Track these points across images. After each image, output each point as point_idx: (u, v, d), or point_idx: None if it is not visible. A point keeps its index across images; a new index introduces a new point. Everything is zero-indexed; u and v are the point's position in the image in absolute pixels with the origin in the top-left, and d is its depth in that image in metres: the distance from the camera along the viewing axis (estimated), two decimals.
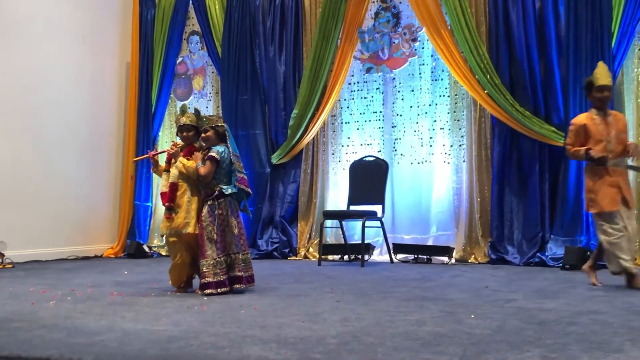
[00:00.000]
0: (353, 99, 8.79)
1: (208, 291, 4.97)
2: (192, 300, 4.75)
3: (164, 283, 5.60)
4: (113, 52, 9.96)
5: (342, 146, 8.79)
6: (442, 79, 8.27)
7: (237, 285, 5.12)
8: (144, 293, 5.20)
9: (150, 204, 9.68)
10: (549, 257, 7.19)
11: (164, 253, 9.10)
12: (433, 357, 2.89)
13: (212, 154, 5.15)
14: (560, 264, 6.90)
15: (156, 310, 4.30)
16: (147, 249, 9.22)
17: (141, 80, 9.83)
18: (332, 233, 8.58)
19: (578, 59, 7.31)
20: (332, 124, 8.85)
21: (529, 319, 3.87)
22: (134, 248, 9.09)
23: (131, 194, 9.63)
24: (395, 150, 8.48)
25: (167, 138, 9.83)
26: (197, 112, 5.46)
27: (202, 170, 5.13)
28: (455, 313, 4.07)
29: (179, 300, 4.81)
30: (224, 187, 5.16)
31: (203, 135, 5.28)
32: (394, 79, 8.53)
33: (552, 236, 7.35)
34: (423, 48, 8.38)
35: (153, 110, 9.75)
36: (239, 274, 5.12)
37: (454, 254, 7.76)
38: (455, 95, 8.13)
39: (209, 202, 5.14)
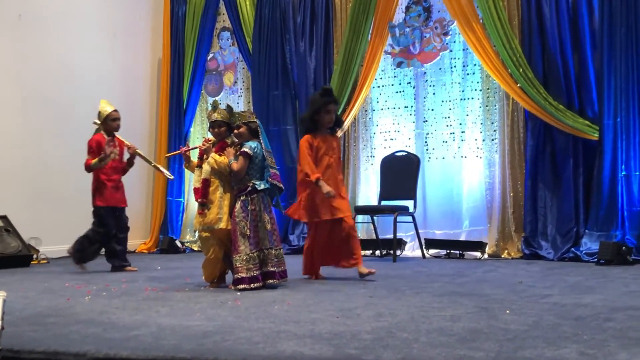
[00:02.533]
0: (384, 93, 8.76)
1: (241, 286, 4.98)
2: (225, 296, 4.76)
3: (197, 278, 5.62)
4: (144, 47, 10.03)
5: (374, 141, 8.76)
6: (473, 73, 8.21)
7: (270, 281, 5.13)
8: (178, 288, 5.22)
9: (182, 199, 9.74)
10: (584, 252, 7.12)
11: (196, 248, 9.15)
12: (469, 352, 2.87)
13: (245, 149, 5.15)
14: (595, 259, 6.82)
15: (190, 305, 4.32)
16: (179, 245, 9.28)
17: (172, 76, 9.89)
18: (363, 228, 8.55)
19: (612, 53, 7.22)
20: (363, 119, 8.83)
21: (565, 314, 3.82)
22: (166, 243, 9.16)
23: (164, 189, 9.70)
24: (427, 144, 8.44)
25: (198, 134, 9.88)
26: (229, 108, 5.47)
27: (235, 165, 5.14)
28: (490, 309, 4.04)
29: (213, 295, 4.83)
30: (257, 182, 5.17)
31: (236, 131, 5.29)
32: (425, 73, 8.49)
33: (586, 231, 7.27)
34: (454, 42, 8.33)
35: (185, 106, 9.80)
36: (271, 269, 5.13)
37: (486, 249, 7.72)
38: (488, 89, 8.07)
39: (241, 198, 5.15)
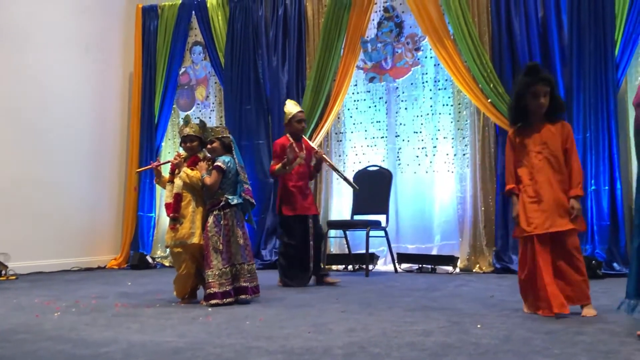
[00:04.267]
0: (356, 108, 8.79)
1: (214, 301, 4.95)
2: (197, 311, 4.73)
3: (168, 294, 5.58)
4: (116, 62, 9.98)
5: (346, 156, 8.78)
6: (445, 88, 8.27)
7: (243, 296, 5.10)
8: (149, 304, 5.18)
9: (153, 214, 9.67)
10: None
11: (167, 264, 9.09)
12: None
13: (218, 163, 5.15)
14: None
15: (161, 322, 4.28)
16: (150, 260, 9.21)
17: (144, 91, 9.85)
18: (336, 243, 8.56)
19: (581, 68, 7.31)
20: (336, 133, 8.84)
21: (536, 328, 3.85)
22: (137, 259, 9.08)
23: (134, 204, 9.63)
24: (399, 159, 8.47)
25: (170, 149, 9.83)
26: (202, 123, 5.46)
27: (208, 180, 5.12)
28: (462, 323, 4.05)
29: (184, 311, 4.80)
30: (230, 197, 5.16)
31: (209, 146, 5.28)
32: (397, 88, 8.54)
33: None
34: (426, 57, 8.39)
35: (156, 120, 9.75)
36: (244, 284, 5.11)
37: (458, 264, 7.74)
38: (459, 104, 8.13)
39: (214, 212, 5.13)
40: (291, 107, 6.64)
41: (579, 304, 4.36)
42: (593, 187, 7.17)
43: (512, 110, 4.63)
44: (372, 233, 7.51)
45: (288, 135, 6.59)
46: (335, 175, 8.68)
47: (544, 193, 4.42)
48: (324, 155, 6.60)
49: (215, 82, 9.70)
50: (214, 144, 5.27)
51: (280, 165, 6.34)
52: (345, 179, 6.84)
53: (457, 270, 7.70)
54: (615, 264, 6.95)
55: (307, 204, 6.48)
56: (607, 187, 7.11)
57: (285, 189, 6.47)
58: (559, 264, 4.36)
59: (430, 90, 8.36)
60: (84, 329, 4.03)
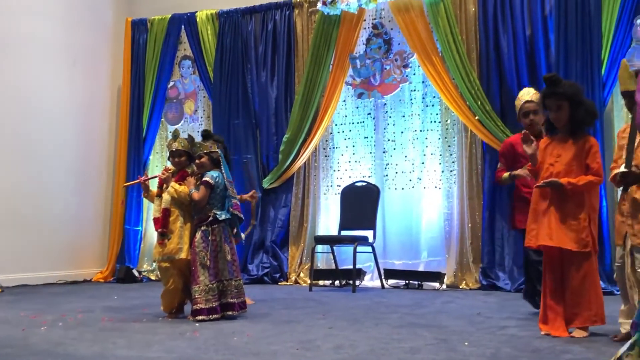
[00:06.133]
0: (344, 124, 8.81)
1: (200, 317, 4.95)
2: (184, 327, 4.72)
3: (155, 308, 5.56)
4: (104, 75, 9.96)
5: (334, 171, 8.79)
6: (433, 105, 8.30)
7: (230, 312, 5.10)
8: (136, 319, 5.16)
9: (140, 228, 9.63)
10: None
11: (153, 278, 9.05)
12: None
13: (207, 178, 5.15)
14: None
15: (148, 337, 4.27)
16: (136, 274, 9.16)
17: (132, 104, 9.82)
18: (323, 258, 8.56)
19: None
20: (324, 149, 8.86)
21: (523, 346, 3.86)
22: (123, 273, 9.03)
23: (121, 218, 9.59)
24: (387, 175, 8.49)
25: (157, 162, 9.80)
26: (190, 138, 5.47)
27: (196, 195, 5.13)
28: (449, 340, 4.07)
29: (171, 326, 4.79)
30: (218, 212, 5.16)
31: (197, 161, 5.29)
32: (385, 104, 8.57)
33: None
34: (414, 74, 8.43)
35: (144, 134, 9.73)
36: (231, 300, 5.11)
37: (445, 280, 7.76)
38: (447, 121, 8.17)
39: (202, 228, 5.13)
40: (521, 95, 5.64)
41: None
42: None
43: (545, 122, 4.65)
44: (359, 249, 7.52)
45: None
46: (322, 189, 8.71)
47: (540, 206, 4.43)
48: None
49: (204, 96, 9.70)
50: (202, 159, 5.27)
51: (507, 174, 5.55)
52: None
53: (444, 286, 7.71)
54: (600, 282, 6.97)
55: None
56: None
57: (521, 198, 5.44)
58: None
59: (418, 107, 8.39)
60: (71, 343, 4.01)
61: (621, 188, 4.08)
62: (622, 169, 3.81)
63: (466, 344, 3.94)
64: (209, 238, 5.10)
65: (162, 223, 5.24)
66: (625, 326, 4.04)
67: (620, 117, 7.27)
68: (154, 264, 8.56)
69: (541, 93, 4.55)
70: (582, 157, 4.37)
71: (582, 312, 4.29)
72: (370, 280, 8.25)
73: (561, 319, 4.31)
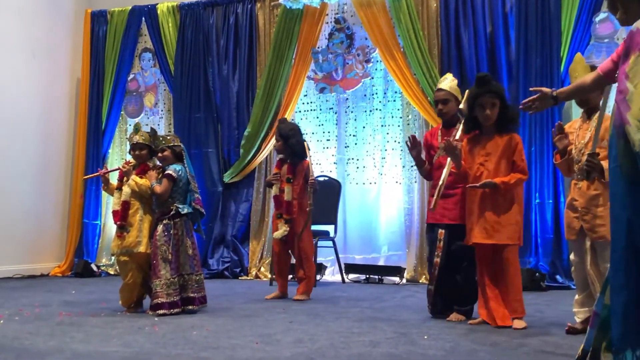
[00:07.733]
0: (306, 118, 8.80)
1: (161, 312, 4.91)
2: (143, 321, 4.68)
3: (113, 303, 5.51)
4: (63, 67, 9.81)
5: None
6: (394, 100, 8.34)
7: (190, 307, 5.07)
8: (93, 313, 5.10)
9: (99, 222, 9.52)
10: None
11: (112, 272, 8.96)
12: None
13: (169, 171, 5.11)
14: None
15: (106, 331, 4.23)
16: (95, 268, 9.06)
17: (92, 97, 9.69)
18: None
19: (527, 83, 7.43)
20: None
21: (481, 340, 3.90)
22: (81, 267, 8.92)
23: (80, 211, 9.46)
24: (348, 170, 8.51)
25: (117, 156, 9.69)
26: (152, 131, 5.41)
27: (158, 188, 5.08)
28: (409, 334, 4.09)
29: (130, 320, 4.74)
30: (180, 206, 5.13)
31: (160, 155, 5.25)
32: (347, 99, 8.58)
33: None
34: (376, 69, 8.46)
35: (103, 127, 9.61)
36: (191, 295, 5.08)
37: (405, 274, 7.81)
38: (408, 116, 8.21)
39: (164, 221, 5.09)
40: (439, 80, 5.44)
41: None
42: (537, 201, 7.31)
43: (465, 121, 4.69)
44: (320, 243, 7.53)
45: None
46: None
47: (474, 206, 4.56)
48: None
49: (165, 90, 9.61)
50: (165, 153, 5.23)
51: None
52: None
53: (404, 281, 7.76)
54: (558, 277, 7.10)
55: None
56: (551, 201, 7.26)
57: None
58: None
59: (380, 102, 8.42)
60: (28, 337, 3.96)
61: (575, 183, 4.19)
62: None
63: (425, 337, 3.97)
64: (171, 232, 5.06)
65: (122, 216, 5.19)
66: (579, 315, 4.16)
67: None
68: (113, 258, 8.48)
69: (472, 91, 4.57)
70: (510, 154, 4.53)
71: (518, 303, 4.45)
72: (331, 275, 8.27)
73: (504, 309, 4.44)
